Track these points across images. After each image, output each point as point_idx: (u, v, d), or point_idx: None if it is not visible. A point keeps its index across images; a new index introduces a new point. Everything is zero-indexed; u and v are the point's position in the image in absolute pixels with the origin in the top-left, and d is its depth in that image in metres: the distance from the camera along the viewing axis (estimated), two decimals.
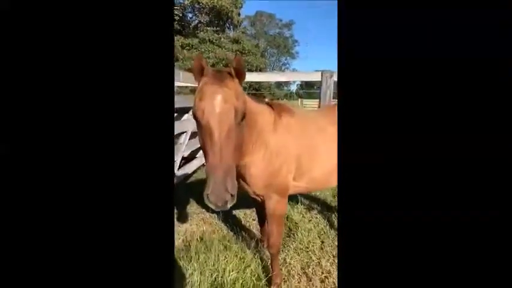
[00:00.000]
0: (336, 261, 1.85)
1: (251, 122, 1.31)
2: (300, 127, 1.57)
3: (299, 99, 23.19)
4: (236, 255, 1.79)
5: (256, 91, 16.74)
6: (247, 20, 24.65)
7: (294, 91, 32.35)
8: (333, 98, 3.49)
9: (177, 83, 2.94)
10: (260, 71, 15.57)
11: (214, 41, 16.47)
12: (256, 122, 1.38)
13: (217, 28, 18.30)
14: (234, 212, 2.69)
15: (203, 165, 4.36)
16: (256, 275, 1.65)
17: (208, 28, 17.49)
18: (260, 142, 1.43)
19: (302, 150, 1.54)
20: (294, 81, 30.47)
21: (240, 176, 1.52)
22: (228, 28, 20.22)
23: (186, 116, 3.17)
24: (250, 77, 4.15)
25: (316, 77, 3.77)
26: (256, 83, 15.59)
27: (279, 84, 26.79)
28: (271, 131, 1.47)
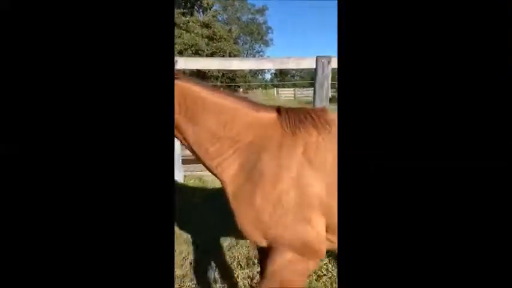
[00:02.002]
0: None
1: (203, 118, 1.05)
2: (334, 151, 0.97)
3: (274, 89, 22.51)
4: None
5: (231, 80, 15.66)
6: (218, 4, 23.12)
7: (269, 80, 31.57)
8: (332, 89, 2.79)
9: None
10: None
11: (181, 24, 14.97)
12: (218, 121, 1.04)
13: (185, 10, 16.74)
14: (229, 256, 1.88)
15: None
16: None
17: (175, 10, 15.88)
18: (237, 154, 1.03)
19: (334, 187, 0.93)
20: (269, 70, 29.64)
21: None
22: (197, 11, 18.67)
23: None
24: (231, 64, 3.26)
25: (309, 64, 2.98)
26: (231, 71, 14.50)
27: (254, 73, 25.84)
28: (268, 146, 1.01)
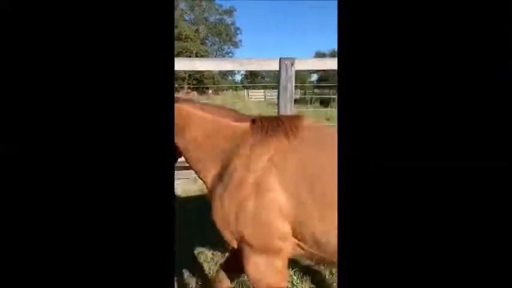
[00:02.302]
0: None
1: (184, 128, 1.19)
2: (302, 158, 1.01)
3: (245, 90, 22.47)
4: None
5: (198, 82, 15.26)
6: (185, 4, 22.48)
7: (240, 82, 31.47)
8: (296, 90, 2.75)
9: None
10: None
11: None
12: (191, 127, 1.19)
13: None
14: None
15: None
16: None
17: None
18: (215, 160, 1.14)
19: (300, 195, 0.98)
20: (239, 71, 29.57)
21: None
22: None
23: None
24: (193, 64, 3.06)
25: (273, 66, 2.91)
26: (198, 72, 14.12)
27: (224, 74, 25.59)
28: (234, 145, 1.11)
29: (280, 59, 2.84)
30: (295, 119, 1.11)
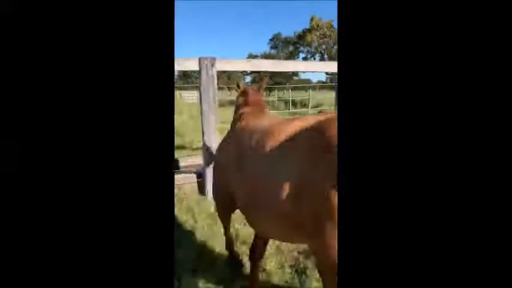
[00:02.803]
0: None
1: None
2: (240, 140, 1.32)
3: (177, 91, 21.44)
4: None
5: None
6: None
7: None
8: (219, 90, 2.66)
9: None
10: None
11: None
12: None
13: None
14: None
15: None
16: None
17: None
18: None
19: (236, 170, 1.26)
20: None
21: None
22: None
23: None
24: None
25: (192, 65, 2.77)
26: None
27: None
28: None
29: (199, 58, 2.72)
30: (253, 112, 1.53)
